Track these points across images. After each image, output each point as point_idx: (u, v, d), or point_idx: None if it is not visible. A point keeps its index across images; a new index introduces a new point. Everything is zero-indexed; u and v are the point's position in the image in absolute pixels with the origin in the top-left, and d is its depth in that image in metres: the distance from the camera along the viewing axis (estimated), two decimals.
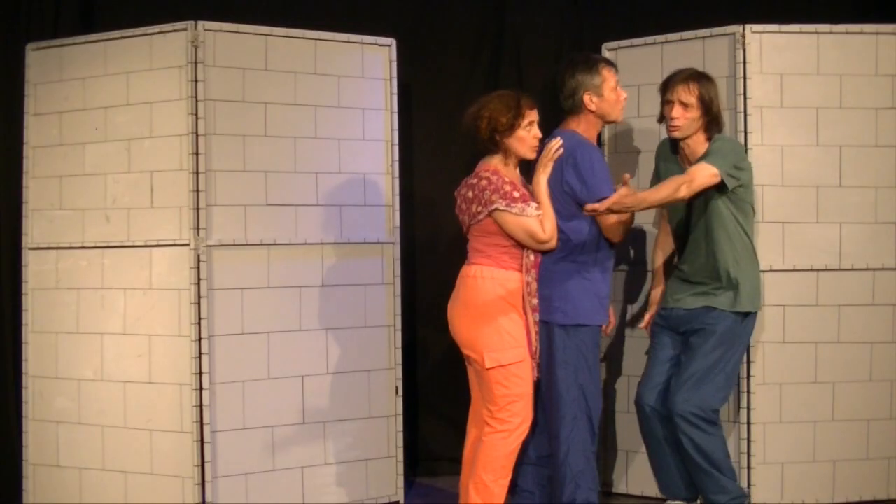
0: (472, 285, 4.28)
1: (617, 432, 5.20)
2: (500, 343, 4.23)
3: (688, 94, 4.39)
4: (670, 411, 4.39)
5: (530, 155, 4.32)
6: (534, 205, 4.24)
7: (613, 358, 5.21)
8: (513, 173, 4.34)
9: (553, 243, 4.27)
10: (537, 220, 4.23)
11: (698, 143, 4.45)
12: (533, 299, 4.28)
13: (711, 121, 4.42)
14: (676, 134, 4.44)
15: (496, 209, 4.20)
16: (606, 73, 4.41)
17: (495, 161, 4.32)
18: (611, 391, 5.21)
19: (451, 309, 4.36)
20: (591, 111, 4.41)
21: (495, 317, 4.24)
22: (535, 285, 4.28)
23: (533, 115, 4.30)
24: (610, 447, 5.22)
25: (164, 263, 4.64)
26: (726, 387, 4.45)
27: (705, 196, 4.38)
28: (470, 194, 4.29)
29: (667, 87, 4.45)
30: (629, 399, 5.12)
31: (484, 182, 4.25)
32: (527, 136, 4.29)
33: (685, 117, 4.40)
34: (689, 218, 4.50)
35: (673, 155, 4.60)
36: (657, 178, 4.67)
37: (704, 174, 4.27)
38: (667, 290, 4.65)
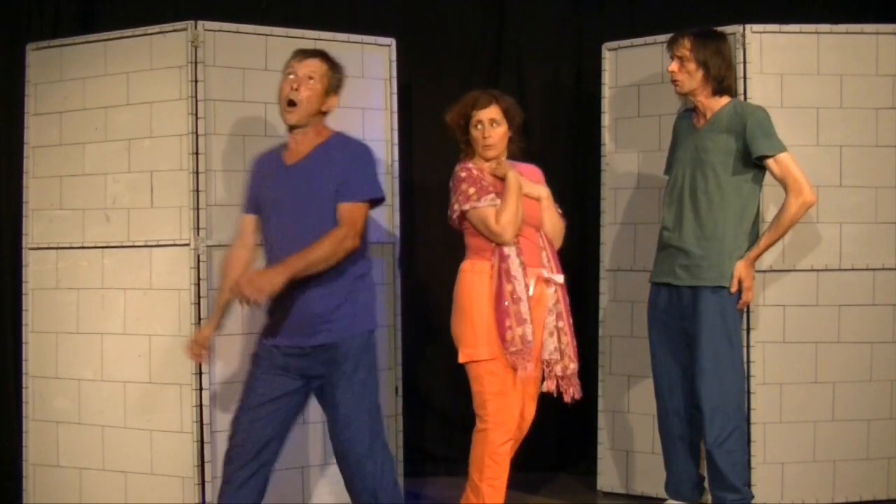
0: (458, 279, 4.28)
1: (616, 432, 5.19)
2: (474, 338, 4.18)
3: (681, 48, 4.40)
4: (695, 406, 4.38)
5: (483, 154, 4.27)
6: (490, 196, 4.20)
7: (613, 358, 5.21)
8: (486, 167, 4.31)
9: (505, 236, 4.17)
10: (493, 209, 4.19)
11: (710, 100, 4.43)
12: None
13: (713, 78, 4.39)
14: (678, 89, 4.45)
15: (461, 211, 4.23)
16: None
17: (471, 157, 4.32)
18: (611, 391, 5.20)
19: None
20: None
21: (472, 310, 4.20)
22: None
23: (480, 115, 4.24)
24: (610, 447, 5.22)
25: (164, 263, 4.64)
26: (741, 353, 4.43)
27: (734, 167, 4.36)
28: (450, 195, 4.32)
29: (669, 45, 4.47)
30: (629, 399, 5.13)
31: (455, 180, 4.27)
32: (477, 135, 4.26)
33: (682, 72, 4.40)
34: (700, 174, 4.41)
35: (688, 115, 4.56)
36: (672, 153, 4.63)
37: (789, 164, 4.30)
38: (655, 265, 4.58)
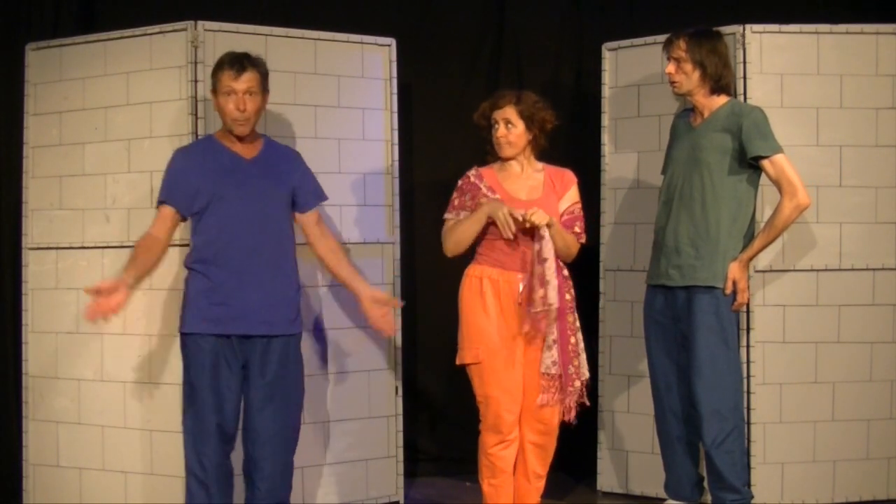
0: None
1: (616, 432, 5.19)
2: (461, 341, 4.26)
3: (677, 49, 4.38)
4: (692, 407, 4.37)
5: (500, 153, 4.30)
6: (465, 212, 4.26)
7: (613, 358, 5.21)
8: (499, 171, 4.33)
9: (449, 252, 4.28)
10: (453, 223, 4.29)
11: (707, 100, 4.41)
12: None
13: (710, 77, 4.36)
14: (675, 90, 4.44)
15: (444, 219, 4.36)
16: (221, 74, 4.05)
17: (495, 156, 4.34)
18: (611, 391, 5.20)
19: None
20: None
21: (461, 314, 4.28)
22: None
23: (496, 115, 4.26)
24: (610, 447, 5.22)
25: (164, 263, 4.62)
26: (737, 353, 4.40)
27: (725, 164, 4.33)
28: None
29: (665, 46, 4.46)
30: (629, 399, 5.13)
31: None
32: (495, 134, 4.28)
33: (679, 72, 4.39)
34: (695, 173, 4.39)
35: (686, 114, 4.56)
36: (668, 152, 4.62)
37: (784, 166, 4.27)
38: (650, 266, 4.57)
